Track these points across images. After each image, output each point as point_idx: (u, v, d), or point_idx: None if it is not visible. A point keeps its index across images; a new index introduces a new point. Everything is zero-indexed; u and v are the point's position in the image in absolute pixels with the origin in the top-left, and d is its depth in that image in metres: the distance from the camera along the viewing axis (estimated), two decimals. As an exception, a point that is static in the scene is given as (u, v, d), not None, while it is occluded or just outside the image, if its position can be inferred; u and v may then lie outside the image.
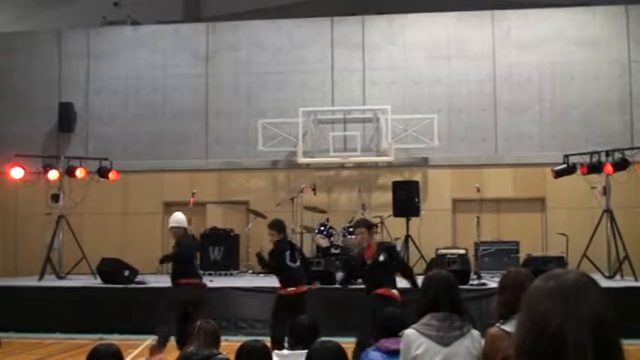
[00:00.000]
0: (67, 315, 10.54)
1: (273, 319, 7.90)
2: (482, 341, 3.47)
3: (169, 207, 14.70)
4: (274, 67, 14.80)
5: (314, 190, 13.34)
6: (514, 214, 13.95)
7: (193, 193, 12.52)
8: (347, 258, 9.38)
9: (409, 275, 7.70)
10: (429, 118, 13.64)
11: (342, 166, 14.32)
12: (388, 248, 7.60)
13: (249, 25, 15.14)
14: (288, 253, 7.92)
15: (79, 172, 13.02)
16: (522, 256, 12.45)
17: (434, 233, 13.21)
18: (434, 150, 13.80)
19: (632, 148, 12.15)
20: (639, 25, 13.99)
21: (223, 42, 15.06)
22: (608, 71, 14.00)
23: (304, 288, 7.94)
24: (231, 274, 13.07)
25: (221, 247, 13.32)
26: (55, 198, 12.87)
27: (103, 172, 13.31)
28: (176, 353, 6.65)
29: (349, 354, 4.04)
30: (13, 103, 15.20)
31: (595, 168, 11.83)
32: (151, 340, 8.49)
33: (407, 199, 12.95)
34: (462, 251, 12.09)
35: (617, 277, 11.45)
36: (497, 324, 3.28)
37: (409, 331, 3.63)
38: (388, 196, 13.31)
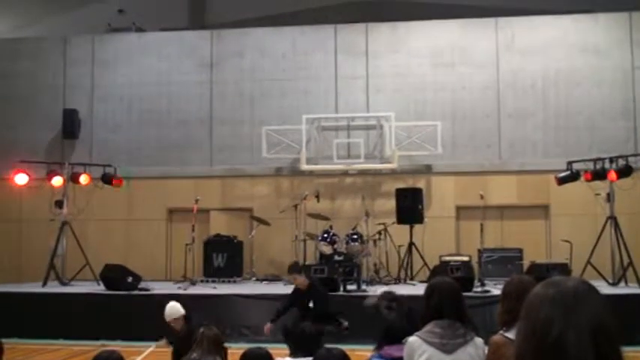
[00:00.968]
0: (71, 321, 10.53)
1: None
2: (486, 349, 3.46)
3: (173, 213, 14.78)
4: (278, 74, 14.83)
5: (317, 197, 13.33)
6: (518, 221, 13.91)
7: (197, 200, 12.56)
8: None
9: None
10: (432, 125, 13.63)
11: (345, 173, 14.31)
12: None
13: (253, 33, 15.18)
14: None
15: (83, 179, 13.06)
16: (526, 263, 12.39)
17: (437, 240, 13.19)
18: (437, 157, 13.78)
19: (636, 155, 12.15)
20: (643, 31, 14.01)
21: (228, 49, 15.10)
22: (611, 78, 13.99)
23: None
24: (235, 281, 13.05)
25: (224, 254, 13.32)
26: (59, 204, 12.89)
27: (107, 179, 13.35)
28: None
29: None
30: (18, 109, 15.25)
31: (599, 175, 11.80)
32: (153, 346, 8.48)
33: (410, 206, 12.95)
34: (465, 258, 12.08)
35: (622, 284, 11.39)
36: (501, 331, 3.28)
37: (412, 339, 3.63)
38: (392, 203, 13.32)
